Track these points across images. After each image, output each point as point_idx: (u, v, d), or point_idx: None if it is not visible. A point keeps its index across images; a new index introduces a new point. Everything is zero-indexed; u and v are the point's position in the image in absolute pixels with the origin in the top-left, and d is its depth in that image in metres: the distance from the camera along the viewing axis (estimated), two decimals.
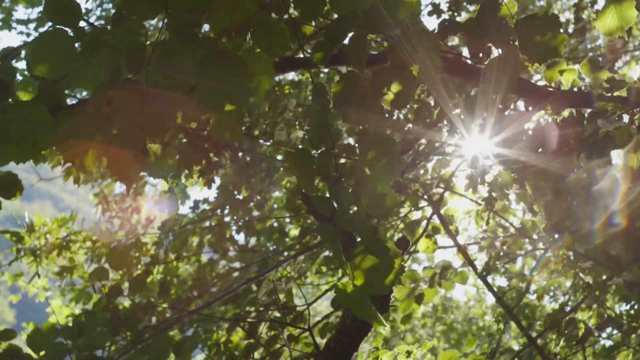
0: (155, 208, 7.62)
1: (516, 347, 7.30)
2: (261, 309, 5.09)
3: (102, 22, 9.77)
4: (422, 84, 2.31)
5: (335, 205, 2.07)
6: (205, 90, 2.02)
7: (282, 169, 6.66)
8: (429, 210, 5.34)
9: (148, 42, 2.05)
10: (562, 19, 9.88)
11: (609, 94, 3.14)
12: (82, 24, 2.08)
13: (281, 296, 4.86)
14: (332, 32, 2.29)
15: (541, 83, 3.42)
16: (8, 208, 2.64)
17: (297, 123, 6.16)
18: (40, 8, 10.12)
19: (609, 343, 5.73)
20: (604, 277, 5.06)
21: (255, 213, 7.20)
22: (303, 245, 6.28)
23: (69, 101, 2.49)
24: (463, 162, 5.04)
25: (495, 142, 3.40)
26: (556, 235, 4.21)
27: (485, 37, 2.77)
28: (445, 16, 6.64)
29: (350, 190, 2.12)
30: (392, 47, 2.24)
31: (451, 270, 5.03)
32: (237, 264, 7.12)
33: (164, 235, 6.90)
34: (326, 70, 4.71)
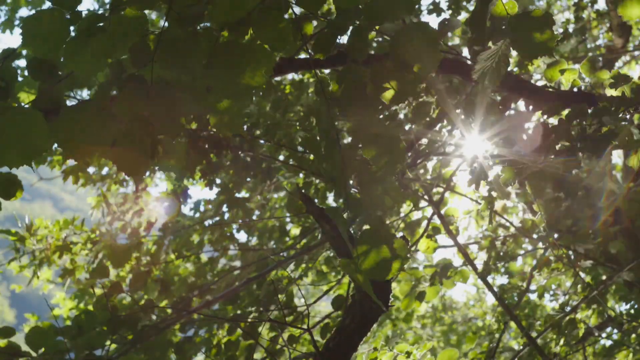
0: (156, 210, 7.62)
1: (516, 347, 7.30)
2: (261, 309, 5.09)
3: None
4: (422, 78, 2.31)
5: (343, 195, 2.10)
6: (216, 82, 2.02)
7: (282, 169, 6.66)
8: (429, 210, 5.34)
9: (151, 34, 2.04)
10: (562, 18, 9.88)
11: (612, 89, 3.14)
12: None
13: (281, 297, 4.86)
14: (334, 24, 2.29)
15: (541, 83, 3.42)
16: (8, 208, 2.65)
17: (297, 124, 6.16)
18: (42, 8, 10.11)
19: (609, 343, 5.73)
20: (604, 277, 5.06)
21: (256, 212, 7.21)
22: (303, 245, 6.28)
23: (69, 102, 2.49)
24: (463, 162, 5.04)
25: (495, 141, 3.40)
26: (556, 235, 4.21)
27: (482, 35, 2.77)
28: (445, 15, 6.64)
29: (355, 183, 2.14)
30: (392, 40, 2.24)
31: (452, 269, 5.02)
32: (237, 263, 7.12)
33: (164, 236, 6.90)
34: (327, 71, 4.71)
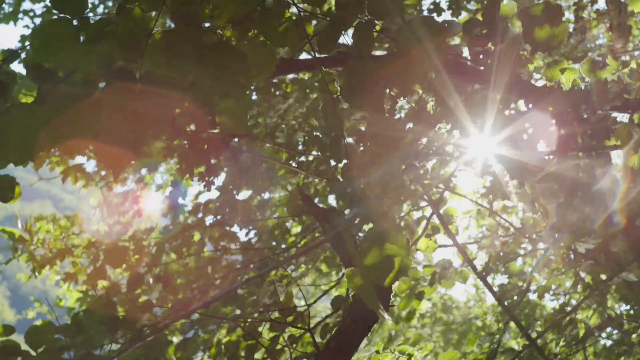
0: (156, 210, 7.63)
1: (516, 347, 7.30)
2: (261, 309, 5.09)
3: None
4: (427, 71, 2.31)
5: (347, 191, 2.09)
6: (202, 83, 2.02)
7: (282, 170, 6.67)
8: (429, 210, 5.34)
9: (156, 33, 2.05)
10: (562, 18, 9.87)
11: (612, 91, 3.14)
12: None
13: (282, 298, 4.86)
14: (337, 19, 2.29)
15: (541, 83, 3.42)
16: (8, 208, 2.65)
17: (297, 124, 6.16)
18: (45, 2, 10.12)
19: (609, 343, 5.73)
20: (604, 277, 5.05)
21: (257, 214, 7.21)
22: (304, 244, 6.28)
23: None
24: (463, 162, 5.04)
25: (496, 141, 3.39)
26: (556, 235, 4.21)
27: (486, 36, 2.78)
28: (445, 15, 6.64)
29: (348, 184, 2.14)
30: (397, 34, 2.24)
31: (451, 269, 5.02)
32: (239, 257, 7.11)
33: (164, 235, 6.91)
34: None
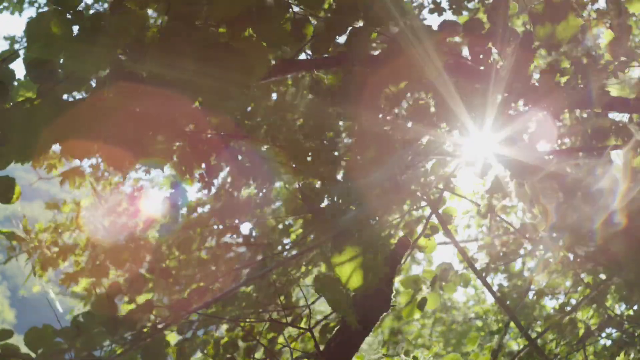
0: (155, 210, 7.62)
1: (515, 347, 7.30)
2: (260, 310, 5.08)
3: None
4: (422, 79, 2.31)
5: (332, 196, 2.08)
6: (203, 83, 2.02)
7: (282, 170, 6.64)
8: (428, 210, 5.33)
9: (151, 28, 2.04)
10: None
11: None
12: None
13: (282, 299, 4.86)
14: (333, 23, 2.29)
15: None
16: (8, 207, 2.65)
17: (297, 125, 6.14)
18: None
19: (609, 343, 5.73)
20: (604, 277, 5.05)
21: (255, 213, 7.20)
22: (304, 245, 6.27)
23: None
24: (463, 162, 5.03)
25: (496, 141, 3.39)
26: (555, 235, 4.21)
27: (489, 37, 2.77)
28: (446, 14, 6.61)
29: (347, 184, 2.13)
30: (393, 41, 2.24)
31: (452, 272, 5.01)
32: (242, 249, 7.11)
33: (164, 235, 6.90)
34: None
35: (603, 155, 3.23)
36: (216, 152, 5.21)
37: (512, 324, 6.37)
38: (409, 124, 4.35)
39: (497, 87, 3.11)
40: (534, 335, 5.37)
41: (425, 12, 6.46)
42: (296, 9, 2.32)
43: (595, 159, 3.23)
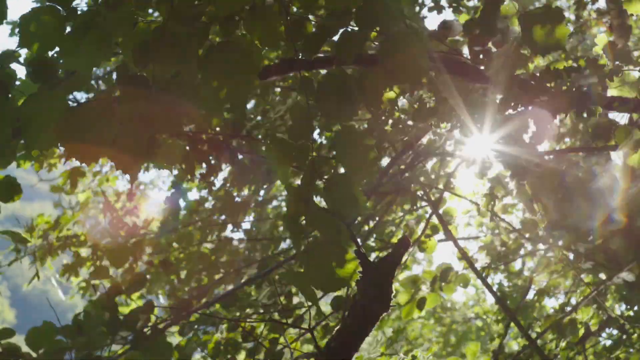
0: (155, 208, 7.62)
1: (515, 347, 7.30)
2: (261, 310, 5.08)
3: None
4: (411, 86, 2.31)
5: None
6: (210, 85, 2.02)
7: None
8: (428, 210, 5.34)
9: (141, 22, 2.04)
10: None
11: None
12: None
13: (282, 299, 4.86)
14: (324, 26, 2.28)
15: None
16: (8, 208, 2.65)
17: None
18: None
19: (609, 343, 5.73)
20: (604, 277, 5.05)
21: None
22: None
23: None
24: (463, 162, 5.04)
25: (496, 141, 3.40)
26: (555, 234, 4.21)
27: (486, 37, 2.78)
28: (446, 12, 6.60)
29: (322, 187, 2.12)
30: (383, 46, 2.24)
31: (452, 273, 5.01)
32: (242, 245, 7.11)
33: (164, 235, 6.90)
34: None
35: (603, 155, 3.23)
36: (216, 151, 5.21)
37: (512, 324, 6.37)
38: (409, 124, 4.35)
39: (496, 86, 3.11)
40: (534, 335, 5.37)
41: (424, 11, 6.45)
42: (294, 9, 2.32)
43: (595, 158, 3.23)
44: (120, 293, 3.56)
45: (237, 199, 6.86)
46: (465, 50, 3.25)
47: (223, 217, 6.93)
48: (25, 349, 3.04)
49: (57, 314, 3.32)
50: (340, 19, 2.24)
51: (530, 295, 6.79)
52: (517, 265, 7.83)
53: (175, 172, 5.82)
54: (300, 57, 2.36)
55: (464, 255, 4.79)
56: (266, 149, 4.69)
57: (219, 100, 2.06)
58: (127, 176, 2.13)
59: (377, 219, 5.74)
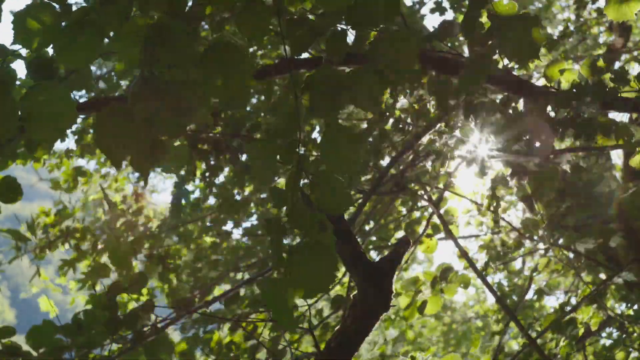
0: (157, 209, 7.63)
1: (515, 347, 7.30)
2: (261, 309, 5.08)
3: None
4: (398, 87, 2.31)
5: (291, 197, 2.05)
6: (209, 85, 2.02)
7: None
8: (429, 210, 5.34)
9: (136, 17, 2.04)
10: (563, 17, 9.88)
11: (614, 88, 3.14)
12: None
13: None
14: (314, 25, 2.28)
15: (540, 82, 3.42)
16: (9, 207, 2.66)
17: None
18: None
19: (609, 342, 5.73)
20: (604, 277, 5.06)
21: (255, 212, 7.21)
22: None
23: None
24: (463, 162, 5.04)
25: (495, 141, 3.40)
26: (555, 234, 4.21)
27: (486, 36, 2.77)
28: (448, 13, 6.60)
29: (307, 184, 2.10)
30: (373, 46, 2.23)
31: (452, 273, 5.00)
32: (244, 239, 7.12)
33: (164, 232, 6.91)
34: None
35: (603, 155, 3.23)
36: (217, 151, 5.22)
37: (512, 324, 6.38)
38: (409, 124, 4.36)
39: (497, 86, 3.11)
40: (533, 334, 5.37)
41: (424, 10, 6.47)
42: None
43: (595, 158, 3.24)
44: (121, 292, 3.56)
45: (237, 197, 6.86)
46: (466, 51, 3.25)
47: (223, 217, 6.94)
48: (25, 348, 3.04)
49: (57, 314, 3.32)
50: (330, 19, 2.24)
51: (530, 295, 6.81)
52: (517, 264, 7.83)
53: (182, 172, 5.83)
54: (289, 55, 2.35)
55: (464, 255, 4.80)
56: (248, 148, 4.70)
57: (222, 99, 2.05)
58: (136, 176, 2.13)
59: (377, 219, 5.75)
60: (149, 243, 6.54)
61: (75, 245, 6.82)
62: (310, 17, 2.33)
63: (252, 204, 7.11)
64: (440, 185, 5.12)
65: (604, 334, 5.68)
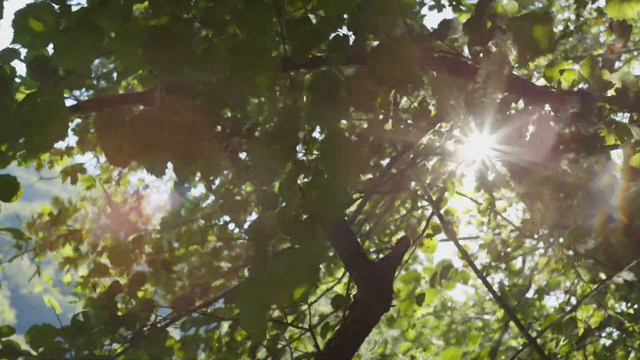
0: (158, 209, 7.63)
1: (516, 346, 7.30)
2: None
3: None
4: (398, 91, 2.31)
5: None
6: (218, 85, 2.03)
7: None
8: (429, 210, 5.34)
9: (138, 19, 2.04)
10: (563, 17, 9.87)
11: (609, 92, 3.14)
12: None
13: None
14: (316, 29, 2.28)
15: (540, 82, 3.42)
16: (8, 207, 2.66)
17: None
18: None
19: (609, 342, 5.73)
20: (604, 276, 5.06)
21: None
22: None
23: (70, 102, 2.49)
24: (463, 162, 5.04)
25: (495, 141, 3.40)
26: (555, 234, 4.21)
27: (483, 36, 2.78)
28: (446, 10, 6.62)
29: (302, 188, 2.09)
30: (373, 51, 2.24)
31: (452, 270, 5.02)
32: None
33: (165, 232, 6.91)
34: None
35: (603, 155, 3.23)
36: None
37: (512, 323, 6.37)
38: (409, 123, 4.35)
39: (495, 86, 3.11)
40: (533, 334, 5.37)
41: (424, 9, 6.47)
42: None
43: (595, 158, 3.23)
44: (121, 292, 3.56)
45: (237, 197, 6.85)
46: (466, 51, 3.25)
47: (224, 216, 6.94)
48: (25, 349, 3.04)
49: (57, 314, 3.33)
50: (332, 23, 2.24)
51: (531, 294, 6.80)
52: (517, 264, 7.83)
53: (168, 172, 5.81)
54: (291, 58, 2.35)
55: (464, 255, 4.79)
56: (248, 149, 4.69)
57: (247, 96, 2.06)
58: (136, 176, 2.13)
59: (377, 219, 5.74)
60: (150, 246, 6.54)
61: (75, 246, 6.82)
62: (311, 17, 2.33)
63: (252, 204, 7.10)
64: (441, 185, 5.12)
65: (604, 334, 5.69)
